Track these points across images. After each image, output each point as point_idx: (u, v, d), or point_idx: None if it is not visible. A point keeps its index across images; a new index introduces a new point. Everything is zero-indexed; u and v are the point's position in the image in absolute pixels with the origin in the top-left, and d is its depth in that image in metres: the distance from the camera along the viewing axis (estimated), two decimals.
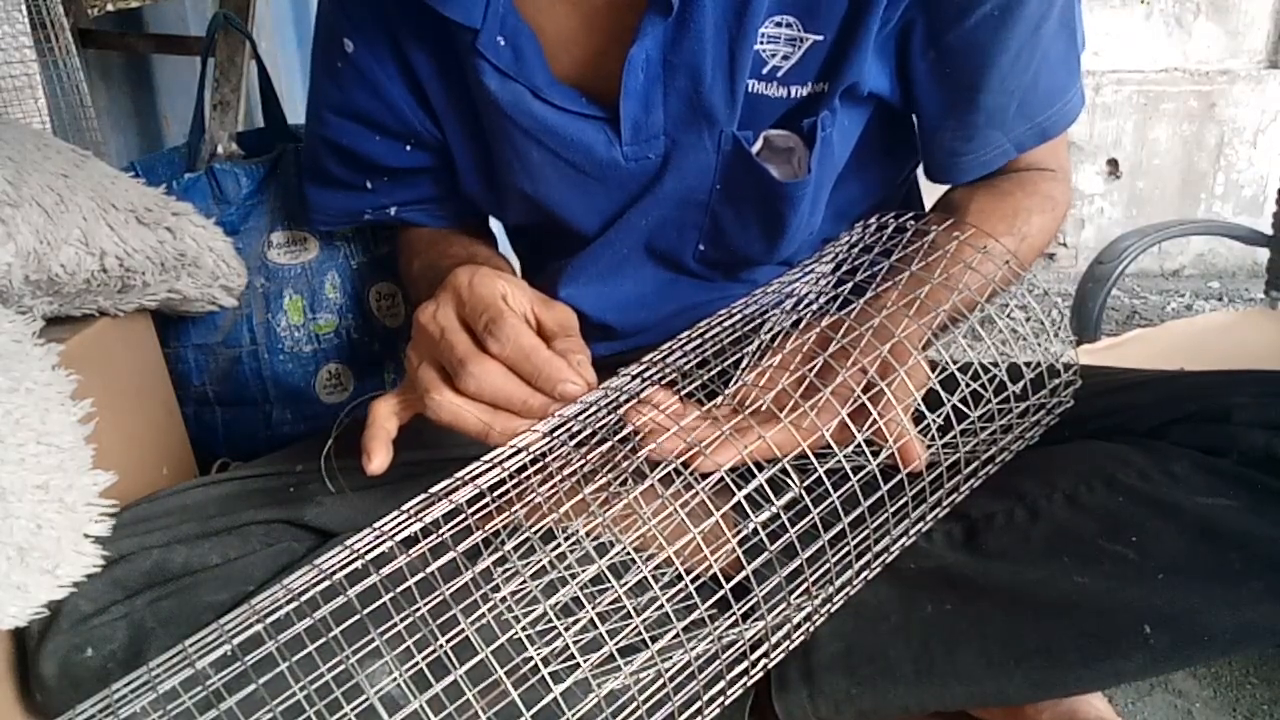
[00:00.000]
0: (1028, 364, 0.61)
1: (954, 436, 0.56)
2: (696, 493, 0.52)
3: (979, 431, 0.58)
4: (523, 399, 0.56)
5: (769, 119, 0.70)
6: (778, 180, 0.70)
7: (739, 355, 0.61)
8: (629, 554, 0.52)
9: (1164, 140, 2.74)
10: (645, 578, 0.49)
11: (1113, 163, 2.75)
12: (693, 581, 0.50)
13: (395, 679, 0.46)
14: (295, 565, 0.65)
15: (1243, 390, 0.61)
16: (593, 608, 0.48)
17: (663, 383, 0.57)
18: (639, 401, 0.55)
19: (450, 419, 0.56)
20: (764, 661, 0.53)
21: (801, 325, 0.63)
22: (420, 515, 0.50)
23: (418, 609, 0.47)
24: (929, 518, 0.58)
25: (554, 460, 0.54)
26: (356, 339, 1.03)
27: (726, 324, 0.63)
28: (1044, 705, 0.63)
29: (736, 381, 0.61)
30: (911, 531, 0.58)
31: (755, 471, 0.50)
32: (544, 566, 0.56)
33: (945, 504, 0.59)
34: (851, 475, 0.51)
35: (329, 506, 0.69)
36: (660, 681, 0.48)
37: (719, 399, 0.60)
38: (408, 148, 0.77)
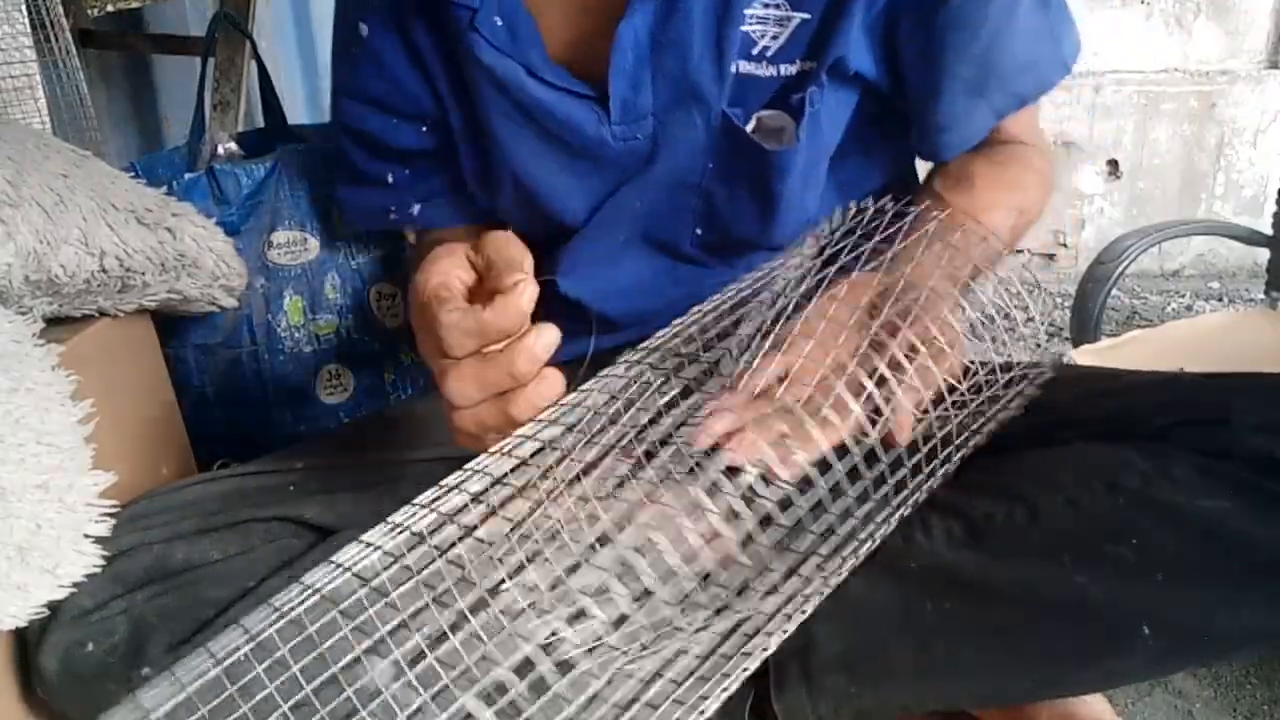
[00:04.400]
0: (1009, 330, 0.61)
1: (945, 409, 0.56)
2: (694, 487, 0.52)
3: (968, 403, 0.58)
4: (502, 373, 0.52)
5: (759, 99, 0.71)
6: (766, 150, 0.71)
7: (746, 342, 0.61)
8: (628, 551, 0.52)
9: (1164, 140, 2.73)
10: (644, 574, 0.49)
11: (1113, 163, 2.74)
12: (692, 578, 0.50)
13: (396, 678, 0.46)
14: (295, 562, 0.65)
15: (1243, 394, 0.60)
16: (593, 604, 0.48)
17: (665, 371, 0.57)
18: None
19: (484, 434, 0.54)
20: (761, 646, 0.52)
21: (827, 297, 0.60)
22: (424, 512, 0.50)
23: (417, 607, 0.47)
24: (924, 488, 0.57)
25: (554, 458, 0.54)
26: (356, 339, 1.03)
27: (722, 308, 0.62)
28: (1042, 704, 0.63)
29: (764, 355, 0.58)
30: (905, 506, 0.57)
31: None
32: (546, 563, 0.56)
33: (938, 475, 0.58)
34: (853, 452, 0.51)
35: (329, 504, 0.69)
36: (660, 676, 0.48)
37: (754, 379, 0.58)
38: (424, 129, 0.79)
